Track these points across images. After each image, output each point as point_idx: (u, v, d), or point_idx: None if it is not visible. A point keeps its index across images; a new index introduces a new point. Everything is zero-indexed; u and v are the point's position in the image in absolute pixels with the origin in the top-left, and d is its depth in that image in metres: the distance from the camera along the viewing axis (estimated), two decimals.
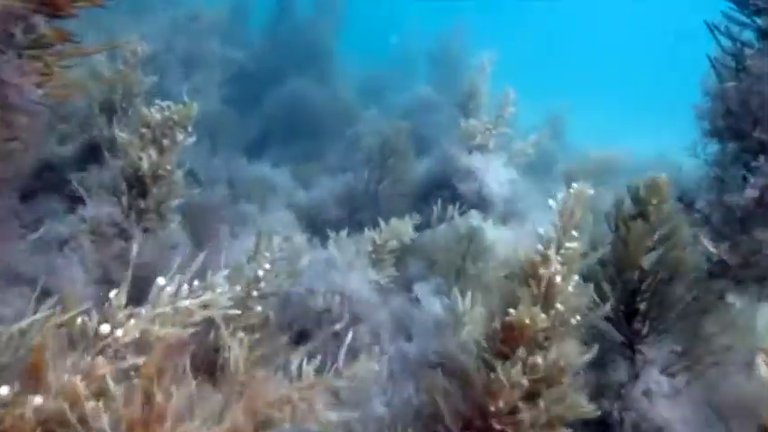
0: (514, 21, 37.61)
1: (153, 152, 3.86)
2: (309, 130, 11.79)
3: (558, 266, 2.69)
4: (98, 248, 3.72)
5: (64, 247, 3.80)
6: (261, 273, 3.15)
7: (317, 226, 6.65)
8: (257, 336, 2.68)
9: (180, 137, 3.92)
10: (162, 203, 4.06)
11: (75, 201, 5.12)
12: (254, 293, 3.11)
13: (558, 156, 11.27)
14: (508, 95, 7.18)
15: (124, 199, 3.94)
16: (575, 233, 2.76)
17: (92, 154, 5.37)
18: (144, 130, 3.87)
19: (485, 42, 8.54)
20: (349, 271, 4.72)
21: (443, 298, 4.97)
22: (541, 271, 2.69)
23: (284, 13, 13.87)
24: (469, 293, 4.42)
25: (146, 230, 4.01)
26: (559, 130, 12.56)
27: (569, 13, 41.70)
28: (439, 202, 6.73)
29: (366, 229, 5.16)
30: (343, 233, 5.81)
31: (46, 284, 2.54)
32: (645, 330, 3.76)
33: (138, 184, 3.98)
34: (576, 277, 2.76)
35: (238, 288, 2.71)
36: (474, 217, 6.38)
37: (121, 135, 3.94)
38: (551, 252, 2.70)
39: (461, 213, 6.61)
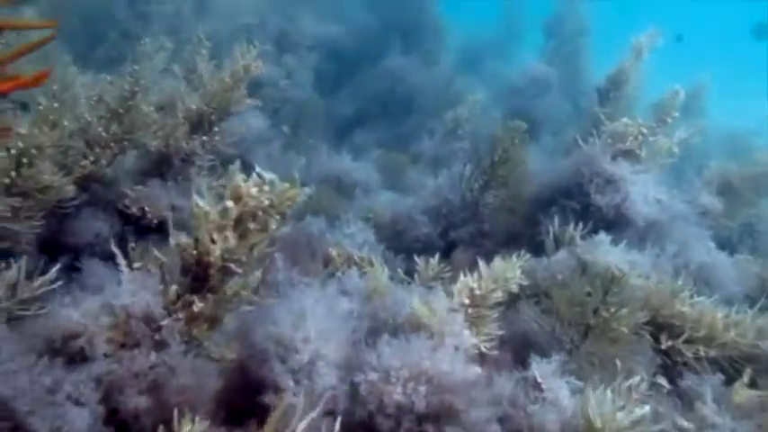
0: None
1: (231, 236, 2.40)
2: (404, 111, 10.20)
3: None
4: (114, 357, 2.31)
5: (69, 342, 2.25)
6: None
7: (401, 244, 5.13)
8: None
9: (273, 225, 2.47)
10: (220, 309, 2.57)
11: (126, 220, 3.92)
12: None
13: (701, 152, 8.86)
14: (676, 95, 5.22)
15: (173, 290, 2.46)
16: None
17: (157, 167, 4.14)
18: (230, 205, 2.41)
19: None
20: (439, 341, 3.17)
21: (572, 381, 3.33)
22: None
23: None
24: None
25: (188, 341, 2.48)
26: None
27: None
28: (555, 219, 4.95)
29: (461, 275, 3.56)
30: (434, 262, 4.29)
31: None
32: None
33: (198, 275, 2.48)
34: None
35: None
36: (602, 243, 4.57)
37: (199, 201, 2.42)
38: None
39: (587, 234, 4.81)
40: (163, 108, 4.57)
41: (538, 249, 4.95)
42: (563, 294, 4.10)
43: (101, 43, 8.96)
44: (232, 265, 2.36)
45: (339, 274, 4.49)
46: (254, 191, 2.36)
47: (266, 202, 2.37)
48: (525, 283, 3.69)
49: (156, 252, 2.45)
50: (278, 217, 2.40)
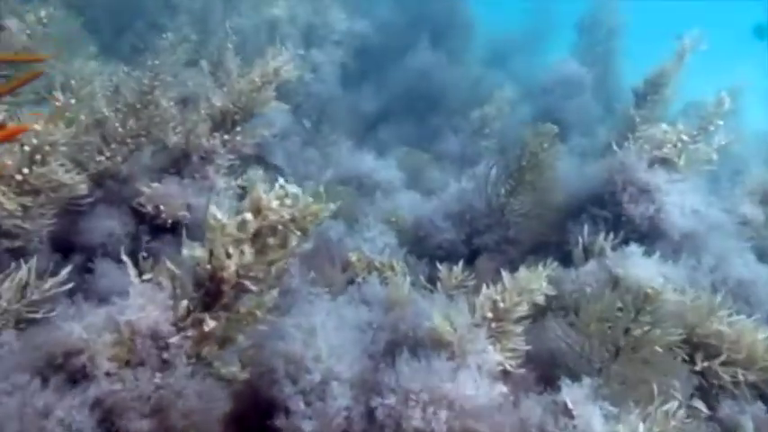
0: None
1: (248, 251, 2.21)
2: (430, 108, 9.94)
3: None
4: (117, 376, 2.13)
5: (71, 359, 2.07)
6: None
7: (424, 250, 4.92)
8: None
9: (294, 242, 2.28)
10: (233, 328, 2.36)
11: (141, 218, 3.79)
12: None
13: (736, 156, 8.42)
14: (721, 103, 4.92)
15: (183, 305, 2.26)
16: None
17: (174, 164, 4.01)
18: (249, 217, 2.22)
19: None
20: (461, 361, 2.98)
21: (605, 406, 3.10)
22: None
23: None
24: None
25: (197, 359, 2.28)
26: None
27: None
28: (585, 228, 4.69)
29: (484, 286, 3.35)
30: (457, 270, 4.09)
31: None
32: None
33: (211, 290, 2.28)
34: None
35: None
36: (634, 255, 4.32)
37: (215, 213, 2.23)
38: None
39: (618, 245, 4.55)
40: (185, 103, 4.45)
41: (566, 259, 4.71)
42: (592, 310, 3.86)
43: (126, 33, 8.89)
44: (248, 283, 2.20)
45: (359, 280, 4.33)
46: (275, 204, 2.19)
47: (287, 217, 2.19)
48: (552, 293, 3.46)
49: (169, 263, 2.29)
50: (299, 233, 2.22)
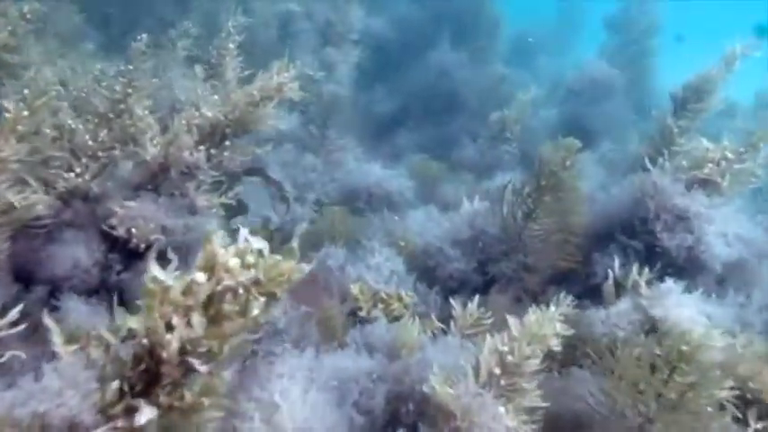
0: None
1: (198, 321, 1.71)
2: (449, 111, 9.40)
3: None
4: None
5: None
6: None
7: (434, 281, 4.42)
8: None
9: (256, 309, 1.76)
10: (174, 420, 1.81)
11: (113, 244, 3.36)
12: None
13: None
14: None
15: (113, 387, 1.75)
16: None
17: (151, 180, 3.56)
18: (200, 278, 1.71)
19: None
20: None
21: None
22: None
23: None
24: None
25: None
26: None
27: None
28: (616, 260, 4.14)
29: (488, 337, 2.84)
30: (472, 308, 3.60)
31: None
32: None
33: (150, 369, 1.78)
34: None
35: None
36: (672, 293, 3.76)
37: (155, 273, 1.71)
38: None
39: (653, 279, 3.99)
40: (174, 109, 4.01)
41: (593, 292, 4.18)
42: (626, 359, 3.34)
43: (135, 30, 8.49)
44: (195, 362, 1.72)
45: (362, 313, 3.87)
46: (233, 263, 1.71)
47: (250, 279, 1.72)
48: (568, 333, 2.95)
49: (104, 330, 1.83)
50: (264, 299, 1.75)
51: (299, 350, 3.25)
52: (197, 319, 1.73)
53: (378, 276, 4.00)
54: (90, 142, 3.26)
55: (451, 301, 3.58)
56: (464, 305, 3.60)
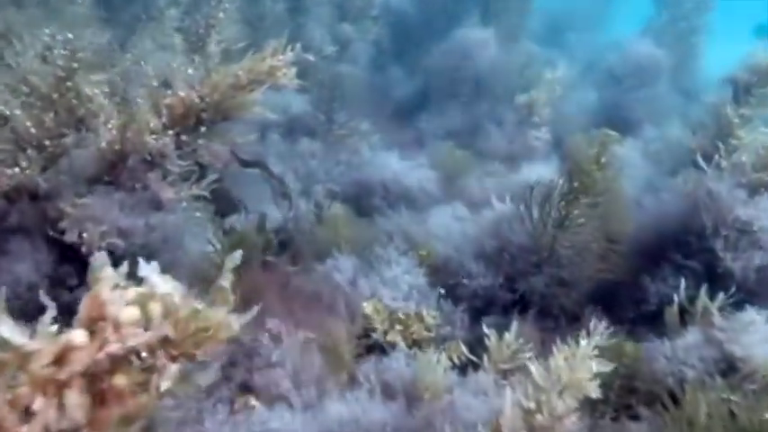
0: None
1: (75, 402, 1.13)
2: (476, 93, 8.65)
3: None
4: None
5: None
6: None
7: (458, 298, 3.77)
8: None
9: (166, 381, 1.20)
10: None
11: (65, 251, 2.78)
12: None
13: None
14: None
15: None
16: None
17: (110, 171, 2.95)
18: (79, 339, 1.19)
19: None
20: None
21: None
22: None
23: None
24: None
25: None
26: None
27: None
28: (682, 282, 3.45)
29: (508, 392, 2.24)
30: (510, 338, 3.01)
31: None
32: None
33: None
34: None
35: None
36: (754, 326, 3.08)
37: (7, 336, 1.14)
38: None
39: (726, 307, 3.30)
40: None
41: (649, 320, 3.54)
42: (698, 404, 2.72)
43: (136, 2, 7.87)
44: None
45: (377, 335, 3.27)
46: (128, 315, 1.12)
47: (155, 338, 1.12)
48: (607, 369, 2.36)
49: None
50: (176, 367, 1.15)
51: (297, 389, 2.67)
52: (73, 399, 1.13)
53: (395, 292, 3.40)
54: (32, 129, 2.65)
55: (485, 328, 2.96)
56: (498, 334, 2.99)
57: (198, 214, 3.01)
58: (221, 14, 3.85)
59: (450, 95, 8.75)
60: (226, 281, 1.30)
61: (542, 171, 5.74)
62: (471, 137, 7.55)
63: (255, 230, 3.65)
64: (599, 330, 2.50)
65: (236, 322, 1.27)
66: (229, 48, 3.66)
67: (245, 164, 4.13)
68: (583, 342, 2.39)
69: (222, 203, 3.83)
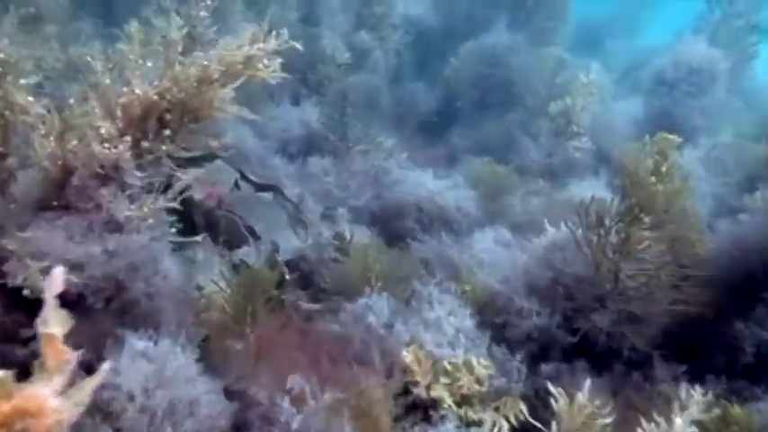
0: None
1: None
2: (507, 104, 8.20)
3: None
4: None
5: None
6: None
7: (510, 340, 3.26)
8: None
9: None
10: None
11: (16, 296, 2.35)
12: None
13: None
14: None
15: None
16: None
17: (57, 192, 2.51)
18: None
19: None
20: None
21: None
22: None
23: None
24: None
25: None
26: None
27: None
28: None
29: None
30: (582, 401, 2.53)
31: None
32: None
33: None
34: None
35: None
36: None
37: None
38: None
39: None
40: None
41: (754, 372, 3.01)
42: None
43: None
44: None
45: (418, 391, 2.78)
46: None
47: None
48: None
49: None
50: None
51: None
52: None
53: (439, 337, 2.90)
54: None
55: (550, 387, 2.45)
56: (564, 388, 2.47)
57: (173, 230, 2.56)
58: (203, 13, 3.41)
59: (479, 106, 8.35)
60: (55, 327, 0.86)
61: (591, 187, 5.26)
62: (505, 151, 7.08)
63: (268, 264, 3.21)
64: (695, 399, 2.01)
65: (71, 401, 0.82)
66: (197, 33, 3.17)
67: (257, 187, 3.70)
68: (678, 421, 1.92)
69: (230, 233, 3.41)
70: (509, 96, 8.22)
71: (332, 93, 6.08)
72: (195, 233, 3.16)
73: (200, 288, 3.18)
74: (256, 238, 3.51)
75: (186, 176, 2.60)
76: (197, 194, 3.37)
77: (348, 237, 3.58)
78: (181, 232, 2.67)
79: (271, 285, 2.87)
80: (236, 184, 3.77)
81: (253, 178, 3.89)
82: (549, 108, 7.06)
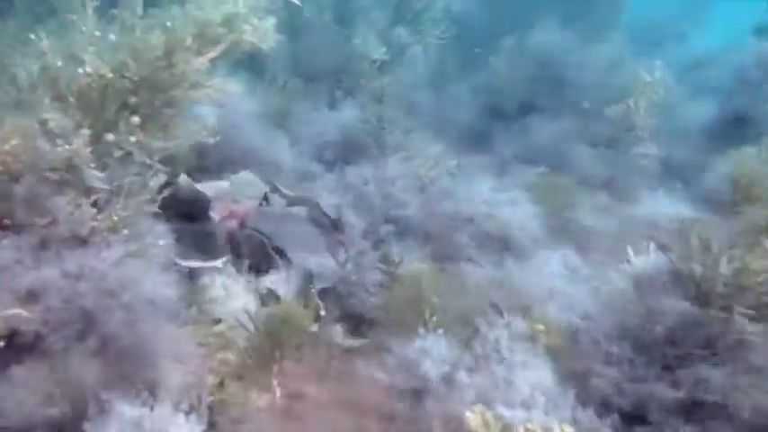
0: None
1: None
2: (557, 104, 7.65)
3: None
4: None
5: None
6: None
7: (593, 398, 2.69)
8: None
9: None
10: None
11: None
12: None
13: None
14: None
15: None
16: None
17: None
18: None
19: None
20: None
21: None
22: None
23: None
24: None
25: None
26: None
27: None
28: None
29: None
30: None
31: None
32: None
33: None
34: None
35: None
36: None
37: None
38: None
39: None
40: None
41: None
42: None
43: None
44: None
45: None
46: None
47: None
48: None
49: None
50: None
51: None
52: None
53: (510, 394, 2.34)
54: None
55: None
56: None
57: (162, 242, 2.06)
58: None
59: (528, 109, 7.79)
60: None
61: (669, 202, 4.67)
62: (558, 159, 6.51)
63: (301, 297, 2.71)
64: None
65: None
66: None
67: (289, 200, 3.21)
68: None
69: (256, 256, 2.91)
70: (561, 98, 7.68)
71: (367, 92, 5.62)
72: (214, 256, 2.69)
73: (217, 321, 2.70)
74: (287, 261, 3.01)
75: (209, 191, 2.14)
76: (217, 214, 2.91)
77: (397, 260, 3.05)
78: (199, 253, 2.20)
79: (303, 326, 2.36)
80: (266, 198, 3.30)
81: (285, 191, 3.41)
82: (608, 111, 6.51)
